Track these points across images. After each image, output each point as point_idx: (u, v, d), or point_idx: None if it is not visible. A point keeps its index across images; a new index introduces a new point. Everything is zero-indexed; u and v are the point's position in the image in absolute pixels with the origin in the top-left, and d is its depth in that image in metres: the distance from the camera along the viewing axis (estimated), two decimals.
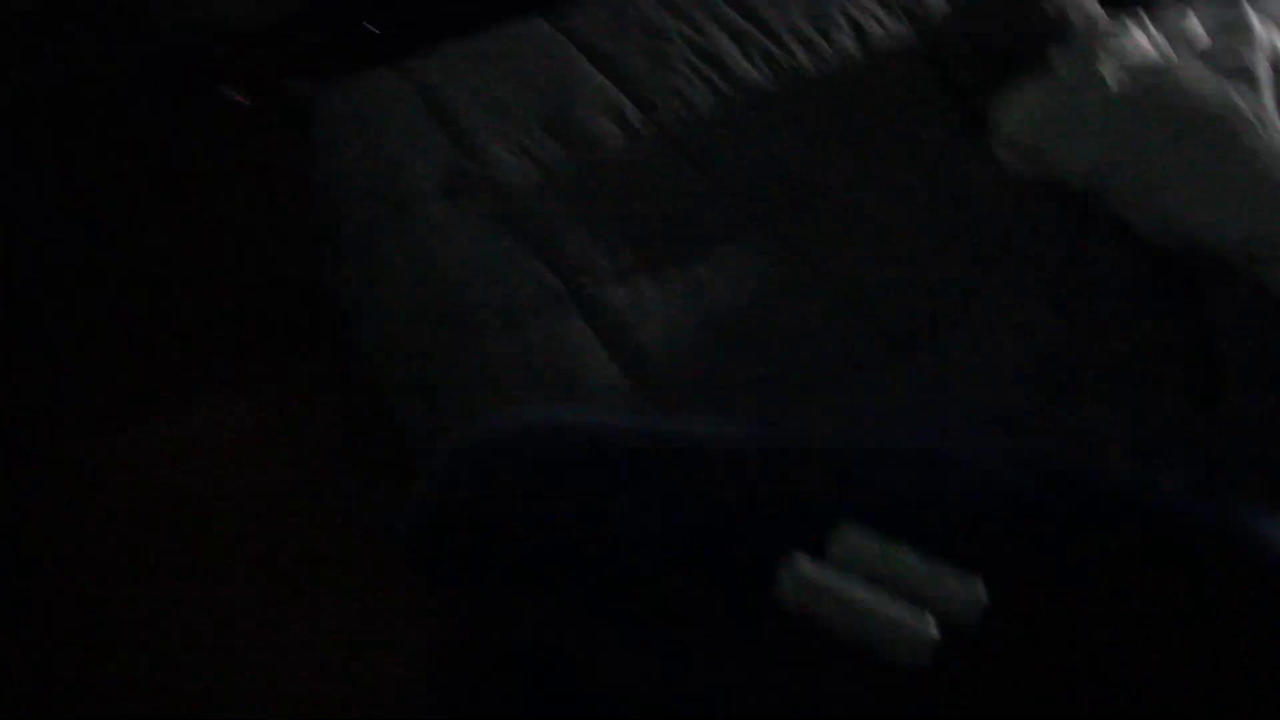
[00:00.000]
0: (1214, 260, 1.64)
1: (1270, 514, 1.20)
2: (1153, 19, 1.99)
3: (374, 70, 2.29)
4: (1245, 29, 1.90)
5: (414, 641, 1.83)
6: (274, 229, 2.79)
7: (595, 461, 1.32)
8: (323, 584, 2.03)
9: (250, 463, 2.25)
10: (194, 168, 3.01)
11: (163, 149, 3.09)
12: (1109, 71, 1.84)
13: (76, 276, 2.70)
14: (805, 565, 1.16)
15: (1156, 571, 1.16)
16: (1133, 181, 1.74)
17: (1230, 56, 1.85)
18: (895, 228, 1.81)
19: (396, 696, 1.83)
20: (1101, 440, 1.44)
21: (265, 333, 2.52)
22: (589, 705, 1.20)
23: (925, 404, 1.53)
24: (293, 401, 2.37)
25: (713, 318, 1.68)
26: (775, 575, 1.16)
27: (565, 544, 1.31)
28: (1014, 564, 1.21)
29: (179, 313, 2.59)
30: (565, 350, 1.63)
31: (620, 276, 1.77)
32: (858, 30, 2.26)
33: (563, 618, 1.25)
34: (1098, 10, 2.06)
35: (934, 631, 1.11)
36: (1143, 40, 1.93)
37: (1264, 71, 1.81)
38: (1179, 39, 1.96)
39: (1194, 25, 1.97)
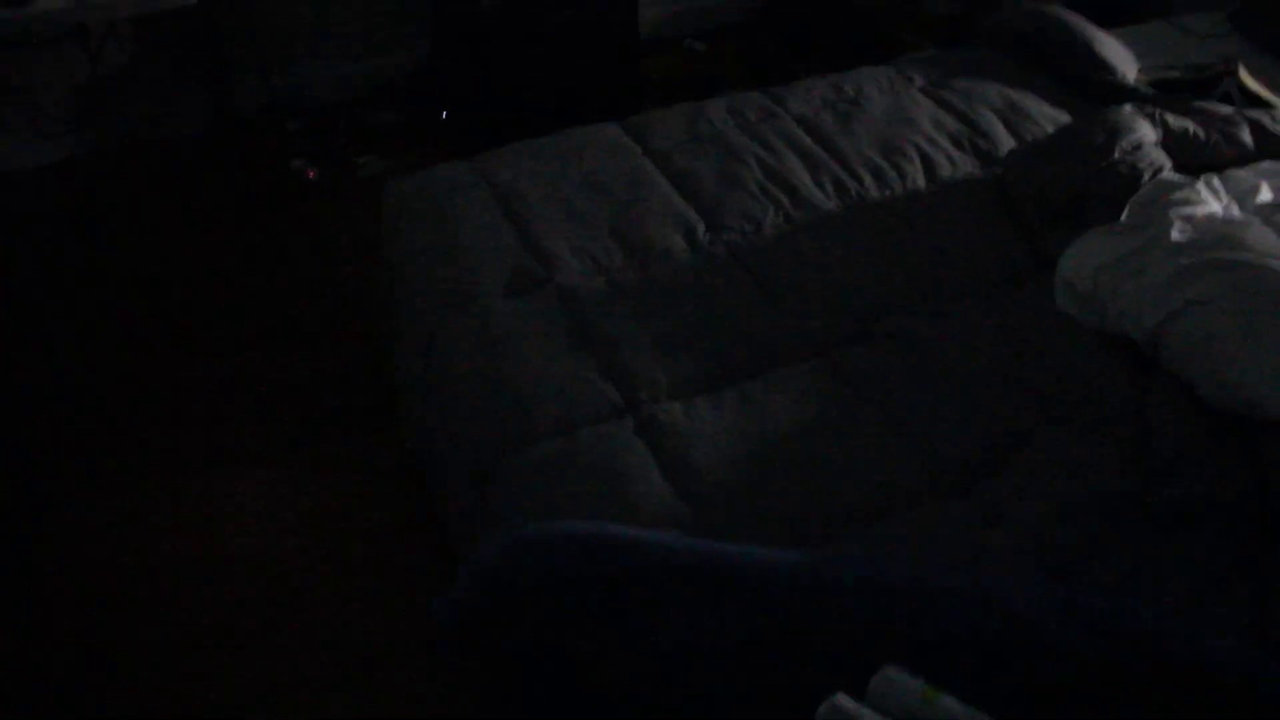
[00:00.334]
0: (1272, 422, 1.63)
1: None
2: (1223, 180, 2.01)
3: (449, 162, 2.35)
4: None
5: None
6: (335, 298, 2.86)
7: (643, 579, 1.32)
8: (362, 666, 2.02)
9: (293, 535, 2.26)
10: (260, 237, 3.10)
11: (232, 216, 3.19)
12: (1175, 226, 1.85)
13: (130, 337, 2.76)
14: (845, 703, 1.15)
15: None
16: (1192, 336, 1.74)
17: None
18: (953, 362, 1.81)
19: None
20: (1151, 589, 1.43)
21: (318, 402, 2.56)
22: None
23: (972, 543, 1.52)
24: (342, 475, 2.39)
25: (765, 442, 1.69)
26: (813, 710, 1.15)
27: (601, 656, 1.30)
28: (1057, 715, 1.20)
29: (235, 378, 2.64)
30: (618, 461, 1.64)
31: (678, 393, 1.79)
32: (928, 164, 2.30)
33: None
34: (1168, 164, 2.08)
35: None
36: (1211, 200, 1.95)
37: None
38: (1248, 201, 1.98)
39: (1263, 189, 1.99)
